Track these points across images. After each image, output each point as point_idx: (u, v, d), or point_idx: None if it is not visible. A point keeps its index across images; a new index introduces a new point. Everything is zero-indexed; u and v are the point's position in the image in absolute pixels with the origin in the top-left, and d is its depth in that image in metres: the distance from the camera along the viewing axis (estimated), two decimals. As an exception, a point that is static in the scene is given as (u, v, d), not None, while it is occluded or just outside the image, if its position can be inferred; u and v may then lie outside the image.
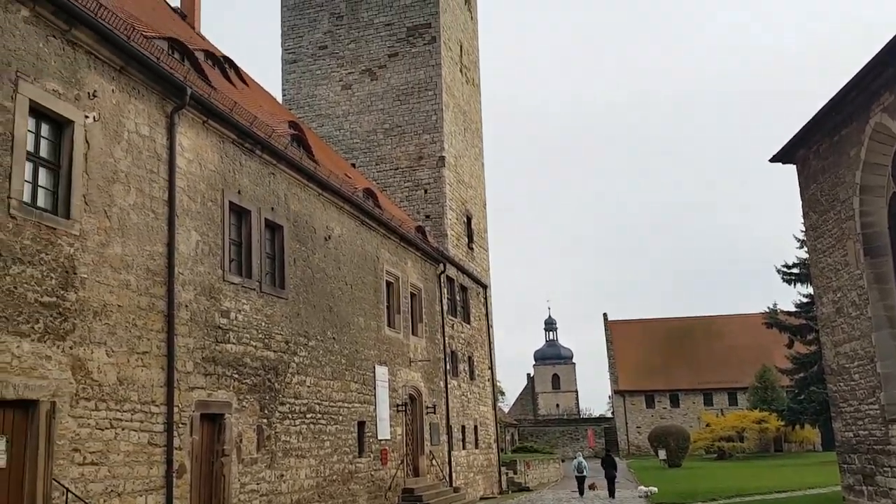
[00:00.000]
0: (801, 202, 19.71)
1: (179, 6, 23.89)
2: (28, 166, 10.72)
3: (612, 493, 29.51)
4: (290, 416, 17.01)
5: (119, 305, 11.97)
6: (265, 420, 15.99)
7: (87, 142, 11.66)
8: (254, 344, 15.81)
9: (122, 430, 11.76)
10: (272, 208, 17.17)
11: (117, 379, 11.77)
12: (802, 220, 20.18)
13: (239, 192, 15.90)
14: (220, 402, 14.51)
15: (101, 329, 11.55)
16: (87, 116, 11.68)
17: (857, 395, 16.90)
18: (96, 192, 11.77)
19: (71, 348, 10.94)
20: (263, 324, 16.30)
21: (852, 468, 17.27)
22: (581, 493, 31.21)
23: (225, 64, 21.31)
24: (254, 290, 16.08)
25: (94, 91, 11.90)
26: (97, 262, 11.62)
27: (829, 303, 18.30)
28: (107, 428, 11.45)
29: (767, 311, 55.80)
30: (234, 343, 15.10)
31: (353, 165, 31.88)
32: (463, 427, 30.41)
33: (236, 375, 15.08)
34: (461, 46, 36.95)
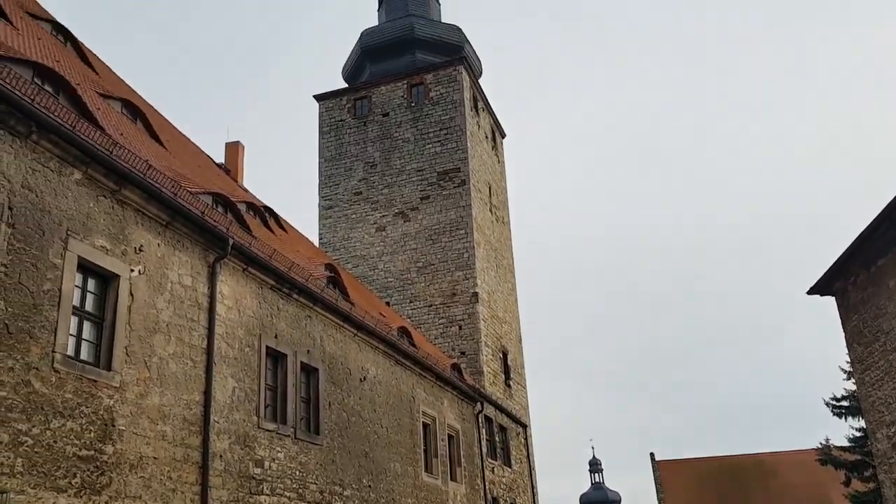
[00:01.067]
0: (843, 334, 19.26)
1: (224, 162, 25.19)
2: (73, 320, 11.02)
3: None
4: (323, 570, 16.28)
5: (154, 457, 11.88)
6: (298, 575, 15.30)
7: (131, 294, 12.01)
8: (287, 495, 15.42)
9: (152, 590, 11.33)
10: (308, 351, 17.25)
11: (149, 535, 11.48)
12: (847, 352, 19.67)
13: (276, 337, 16.07)
14: (253, 557, 13.98)
15: (137, 483, 11.41)
16: (132, 270, 12.11)
17: (927, 540, 15.78)
18: (137, 344, 11.98)
19: (106, 503, 10.78)
20: (298, 472, 15.96)
21: None
22: None
23: (265, 213, 22.15)
24: (288, 436, 15.88)
25: (141, 246, 12.39)
26: (135, 413, 11.65)
27: (883, 438, 17.48)
28: (136, 589, 11.04)
29: (820, 446, 53.10)
30: (267, 494, 14.74)
31: (388, 304, 32.21)
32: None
33: (269, 528, 14.61)
34: (490, 187, 38.11)
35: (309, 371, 17.39)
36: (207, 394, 13.36)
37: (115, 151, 11.82)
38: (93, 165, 11.44)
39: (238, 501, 13.79)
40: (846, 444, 49.26)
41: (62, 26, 17.68)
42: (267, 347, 15.72)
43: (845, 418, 48.15)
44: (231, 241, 14.32)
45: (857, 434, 47.71)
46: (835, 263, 17.97)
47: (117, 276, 11.81)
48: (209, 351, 13.60)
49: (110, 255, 11.72)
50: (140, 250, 12.36)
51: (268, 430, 15.19)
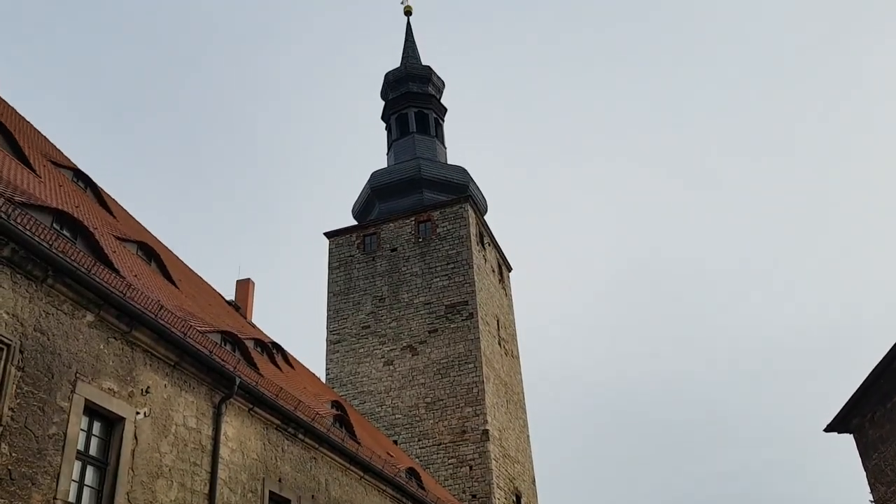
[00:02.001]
0: (865, 473, 18.61)
1: (234, 299, 25.50)
2: (77, 465, 10.82)
3: None
4: None
5: None
6: None
7: (135, 438, 11.85)
8: None
9: None
10: (312, 496, 16.72)
11: None
12: (870, 492, 18.90)
13: (280, 481, 15.63)
14: None
15: None
16: (138, 413, 12.00)
17: None
18: (139, 489, 11.69)
19: None
20: None
21: None
22: None
23: (273, 349, 22.14)
24: (290, 588, 15.12)
25: (148, 387, 12.35)
26: (132, 565, 11.19)
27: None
28: None
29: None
30: None
31: (395, 442, 31.47)
32: None
33: None
34: (498, 321, 38.15)
35: (313, 516, 16.78)
36: (208, 542, 12.87)
37: (129, 293, 12.04)
38: (105, 307, 11.61)
39: None
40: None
41: (83, 173, 18.45)
42: (270, 493, 15.26)
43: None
44: (238, 381, 14.25)
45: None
46: (850, 400, 17.64)
47: (123, 419, 11.69)
48: (211, 497, 13.22)
49: (117, 398, 11.66)
50: (147, 392, 12.30)
51: (269, 582, 14.49)
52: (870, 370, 16.40)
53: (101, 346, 11.62)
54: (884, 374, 16.11)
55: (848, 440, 19.27)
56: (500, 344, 37.23)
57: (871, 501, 43.68)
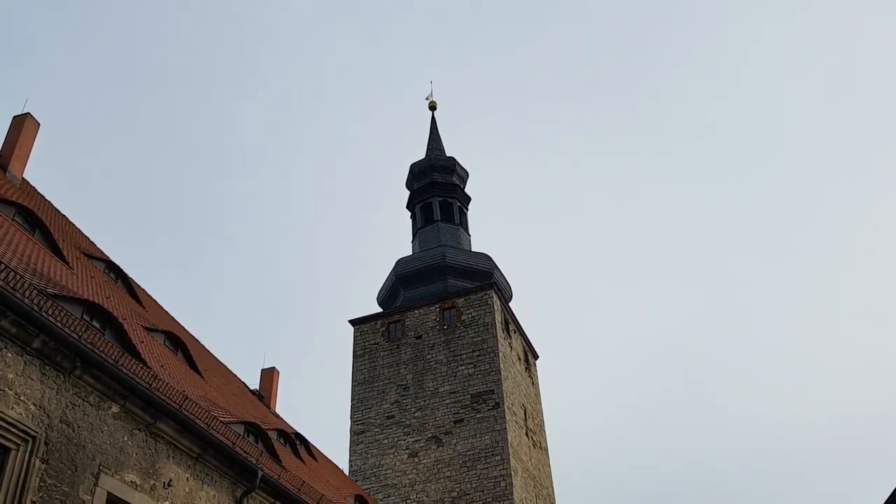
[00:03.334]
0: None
1: (259, 388, 25.40)
2: (94, 563, 10.59)
3: None
4: None
5: None
6: None
7: (155, 533, 11.63)
8: None
9: None
10: None
11: None
12: None
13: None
14: None
15: None
16: (159, 506, 11.82)
17: None
18: (157, 588, 11.37)
19: None
20: None
21: None
22: None
23: (296, 440, 21.86)
24: None
25: (170, 480, 12.20)
26: None
27: None
28: None
29: None
30: None
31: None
32: None
33: None
34: (525, 410, 37.44)
35: None
36: None
37: (154, 384, 12.07)
38: (131, 398, 11.63)
39: None
40: None
41: (114, 264, 18.83)
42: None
43: None
44: (260, 474, 14.05)
45: None
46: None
47: (143, 514, 11.51)
48: None
49: (139, 491, 11.52)
50: (169, 485, 12.15)
51: None
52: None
53: (126, 438, 11.57)
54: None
55: None
56: (527, 435, 36.39)
57: None
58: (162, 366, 14.47)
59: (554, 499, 37.36)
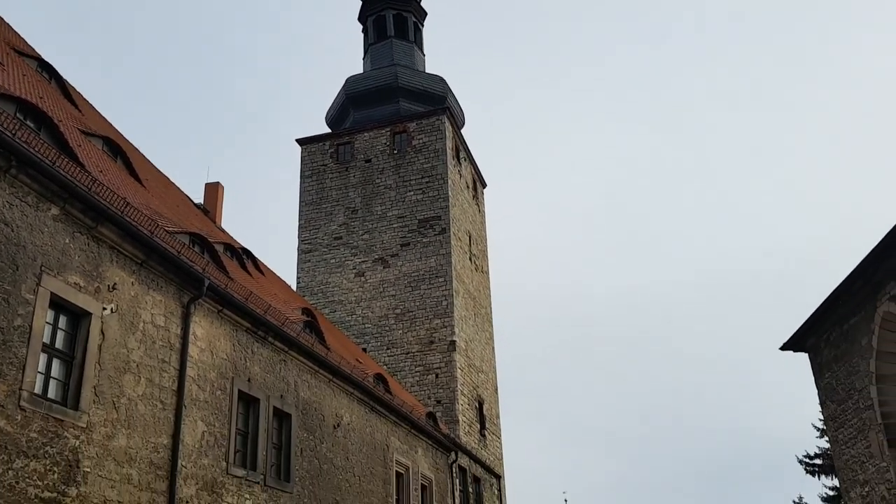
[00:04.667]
0: (816, 391, 19.37)
1: (203, 203, 25.15)
2: (42, 357, 10.81)
3: None
4: None
5: (119, 502, 11.56)
6: None
7: (102, 333, 11.83)
8: (255, 542, 15.03)
9: None
10: (281, 396, 17.00)
11: (108, 584, 11.10)
12: (820, 410, 19.72)
13: (249, 381, 15.84)
14: None
15: (98, 528, 11.08)
16: (105, 308, 11.95)
17: None
18: (107, 383, 11.76)
19: (64, 549, 10.43)
20: (266, 520, 15.58)
21: None
22: None
23: (243, 255, 22.05)
24: (258, 483, 15.54)
25: (115, 284, 12.26)
26: (101, 455, 11.37)
27: (857, 497, 17.43)
28: None
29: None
30: (233, 542, 14.35)
31: (364, 350, 31.95)
32: None
33: (234, 578, 14.19)
34: (470, 236, 38.29)
35: (281, 416, 17.12)
36: (176, 437, 13.09)
37: (94, 188, 11.78)
38: (71, 201, 11.37)
39: (202, 550, 13.40)
40: (819, 502, 49.19)
41: (47, 63, 17.74)
42: (239, 391, 15.48)
43: (818, 476, 48.16)
44: (207, 282, 14.20)
45: (830, 493, 47.67)
46: (808, 320, 18.16)
47: (89, 314, 11.64)
48: (179, 393, 13.36)
49: (83, 293, 11.57)
50: (114, 288, 12.22)
51: (237, 477, 14.86)
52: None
53: (67, 241, 11.44)
54: (841, 297, 16.54)
55: (803, 360, 19.96)
56: (470, 259, 37.49)
57: (821, 419, 45.51)
58: (101, 171, 14.08)
59: (491, 316, 39.24)
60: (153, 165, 22.22)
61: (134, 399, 12.31)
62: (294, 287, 34.06)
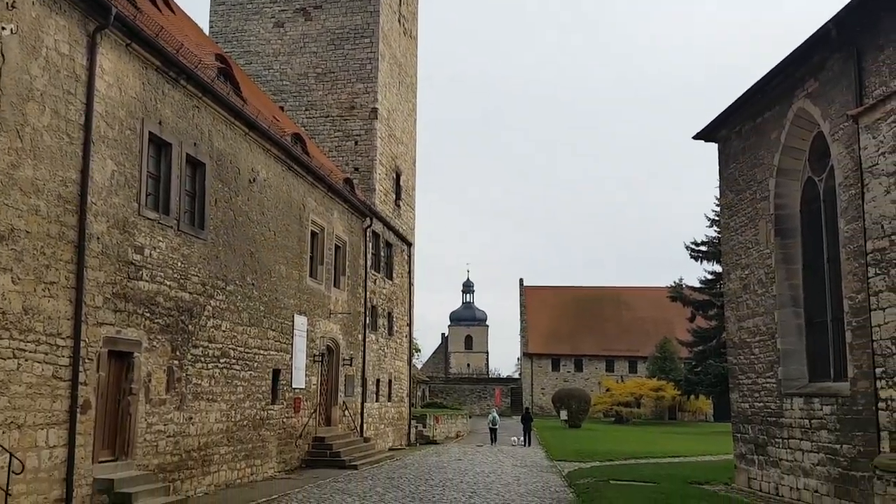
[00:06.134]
0: (719, 180, 20.39)
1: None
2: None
3: (528, 443, 36.24)
4: (202, 359, 16.64)
5: (27, 231, 11.35)
6: (176, 362, 15.59)
7: (2, 55, 10.87)
8: (168, 283, 15.32)
9: (26, 360, 11.25)
10: (195, 143, 16.53)
11: (22, 308, 11.21)
12: (718, 199, 20.92)
13: (160, 124, 15.21)
14: (130, 341, 14.04)
15: (8, 255, 10.94)
16: (3, 28, 10.88)
17: (755, 368, 17.78)
18: (9, 110, 11.02)
19: (-28, 273, 10.32)
20: (179, 263, 15.79)
21: (746, 438, 18.23)
22: (493, 441, 36.47)
23: (151, -12, 20.17)
24: (171, 227, 15.53)
25: (14, 1, 11.07)
26: (6, 183, 10.95)
27: (736, 279, 19.09)
28: (9, 358, 10.93)
29: (673, 285, 57.97)
30: (147, 281, 14.58)
31: (282, 108, 31.02)
32: (378, 380, 30.57)
33: (148, 314, 14.60)
34: (400, -5, 36.23)
35: (195, 164, 16.75)
36: (85, 173, 12.67)
37: None
38: None
39: (115, 284, 13.58)
40: (697, 285, 54.17)
41: None
42: (150, 134, 14.90)
43: (701, 262, 52.71)
44: (114, 11, 13.04)
45: (709, 277, 52.44)
46: (724, 111, 18.60)
47: (-18, 32, 10.59)
48: (87, 128, 12.73)
49: (-27, 6, 10.42)
50: (13, 6, 11.05)
51: (149, 219, 14.76)
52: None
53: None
54: (762, 91, 16.89)
55: (712, 152, 20.73)
56: (399, 21, 35.71)
57: (714, 211, 48.54)
58: None
59: (415, 86, 38.43)
60: None
61: (39, 129, 11.66)
62: (206, 31, 31.89)
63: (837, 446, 14.18)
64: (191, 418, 16.10)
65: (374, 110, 32.21)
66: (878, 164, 11.62)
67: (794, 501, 15.61)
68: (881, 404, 11.62)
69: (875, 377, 11.85)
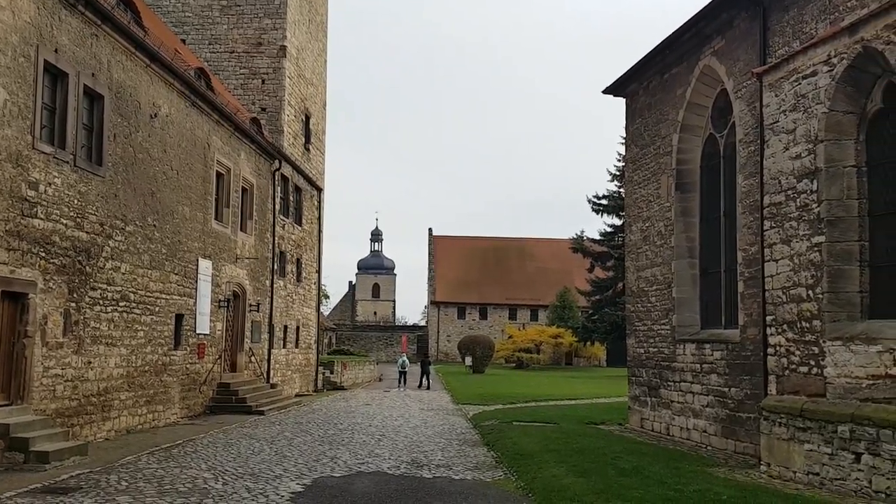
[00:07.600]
0: (625, 135, 20.94)
1: None
2: None
3: (428, 387, 37.59)
4: (101, 302, 16.00)
5: None
6: (73, 304, 14.93)
7: None
8: (64, 222, 14.55)
9: None
10: (93, 74, 15.57)
11: None
12: (623, 153, 21.49)
13: (56, 52, 14.23)
14: (24, 281, 13.32)
15: None
16: None
17: (651, 315, 18.67)
18: None
19: None
20: (76, 201, 14.99)
21: (640, 381, 19.22)
22: (401, 384, 37.96)
23: None
24: (67, 162, 14.68)
25: None
26: None
27: (637, 231, 19.84)
28: None
29: (575, 237, 59.69)
30: (42, 219, 13.80)
31: (184, 42, 29.52)
32: (285, 327, 30.26)
33: (43, 254, 13.86)
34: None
35: (93, 97, 15.81)
36: (-29, 101, 11.75)
37: None
38: None
39: (8, 221, 12.81)
40: (597, 237, 56.00)
41: None
42: (46, 62, 13.94)
43: (602, 215, 54.39)
44: (3, -76, 11.98)
45: (608, 230, 54.26)
46: (633, 66, 19.02)
47: None
48: (-26, 52, 11.77)
49: None
50: None
51: (44, 153, 13.90)
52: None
53: None
54: (671, 47, 17.35)
55: (618, 110, 21.20)
56: (309, -43, 34.38)
57: (616, 166, 50.18)
58: None
59: (326, 26, 37.29)
60: None
61: (-84, 50, 10.68)
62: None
63: (726, 389, 15.17)
64: (90, 363, 15.53)
65: (283, 48, 31.11)
66: (778, 121, 12.22)
67: (684, 440, 16.65)
68: (770, 350, 12.46)
69: (765, 325, 12.66)
